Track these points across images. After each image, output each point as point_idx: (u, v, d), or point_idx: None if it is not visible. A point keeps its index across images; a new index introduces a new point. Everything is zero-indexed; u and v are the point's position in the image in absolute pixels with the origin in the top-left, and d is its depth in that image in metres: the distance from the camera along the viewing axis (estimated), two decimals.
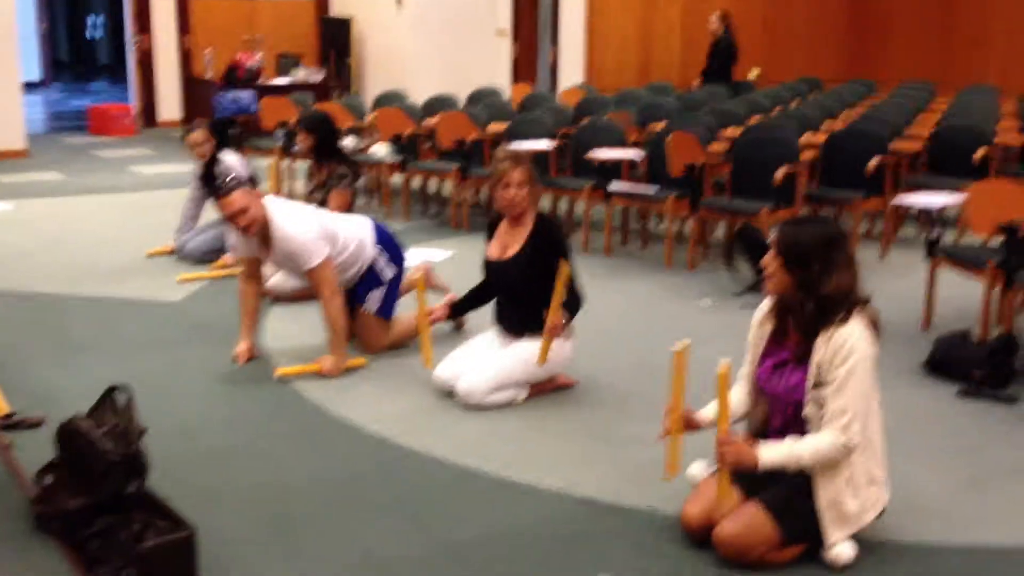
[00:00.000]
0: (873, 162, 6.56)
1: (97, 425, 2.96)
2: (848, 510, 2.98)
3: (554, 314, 4.09)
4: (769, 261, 3.04)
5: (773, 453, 2.97)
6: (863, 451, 3.00)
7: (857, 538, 3.03)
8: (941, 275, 5.31)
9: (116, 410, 3.03)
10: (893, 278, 6.31)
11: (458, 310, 4.65)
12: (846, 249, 3.00)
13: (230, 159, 6.54)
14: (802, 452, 2.94)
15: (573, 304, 4.26)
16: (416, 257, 6.47)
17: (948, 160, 7.17)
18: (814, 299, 2.97)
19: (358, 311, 4.87)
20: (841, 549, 2.98)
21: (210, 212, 6.40)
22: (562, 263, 4.04)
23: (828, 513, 2.97)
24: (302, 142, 6.29)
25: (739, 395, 3.25)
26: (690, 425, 3.23)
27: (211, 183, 6.45)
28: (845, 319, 2.95)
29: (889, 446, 3.32)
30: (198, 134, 6.50)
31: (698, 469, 3.34)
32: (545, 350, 4.17)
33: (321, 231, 4.61)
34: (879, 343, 3.00)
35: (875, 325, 3.01)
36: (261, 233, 4.53)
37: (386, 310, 4.89)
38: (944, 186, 6.58)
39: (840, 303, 2.96)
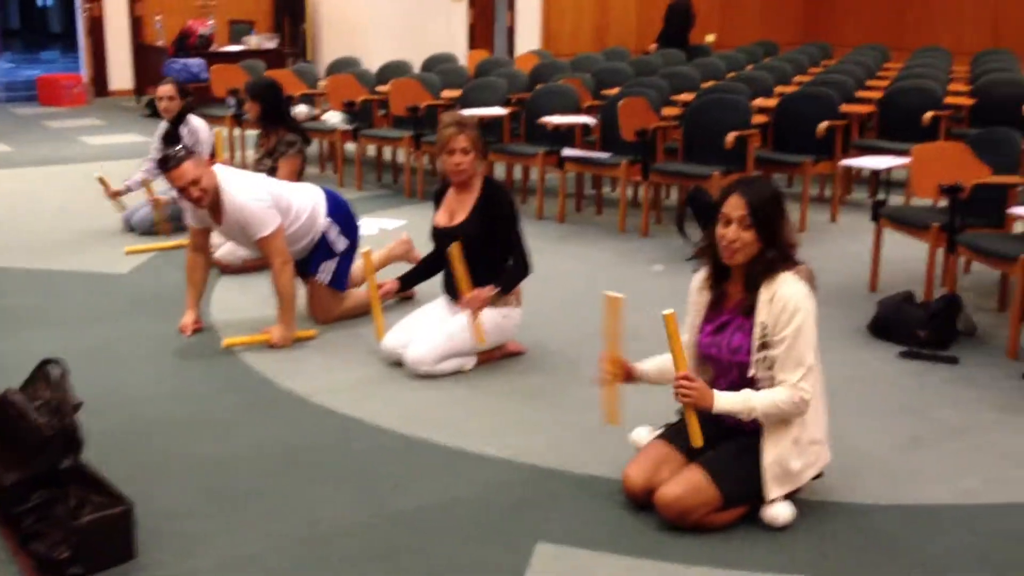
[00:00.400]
0: (823, 125, 6.58)
1: (30, 399, 2.92)
2: (791, 467, 3.01)
3: (466, 290, 4.06)
4: (738, 233, 2.98)
5: (729, 397, 2.98)
6: (810, 410, 3.02)
7: (797, 498, 3.07)
8: (890, 237, 5.35)
9: (50, 383, 2.99)
10: (842, 241, 6.36)
11: (408, 282, 4.63)
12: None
13: (197, 122, 6.49)
14: (757, 402, 2.95)
15: (517, 273, 4.25)
16: (370, 226, 6.44)
17: (898, 123, 7.21)
18: (780, 252, 3.01)
19: (310, 281, 4.84)
20: (779, 509, 3.01)
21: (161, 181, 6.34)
22: (453, 245, 4.00)
23: (771, 470, 3.00)
24: (249, 110, 6.22)
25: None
26: (628, 376, 3.25)
27: (175, 143, 6.40)
28: (788, 273, 2.98)
29: (833, 406, 3.36)
30: (167, 87, 6.46)
31: (641, 434, 3.36)
32: (477, 327, 4.14)
33: (273, 200, 4.57)
34: (815, 300, 3.03)
35: (811, 282, 3.03)
36: (212, 203, 4.48)
37: (338, 281, 4.86)
38: (893, 149, 6.63)
39: (793, 253, 3.02)
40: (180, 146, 4.57)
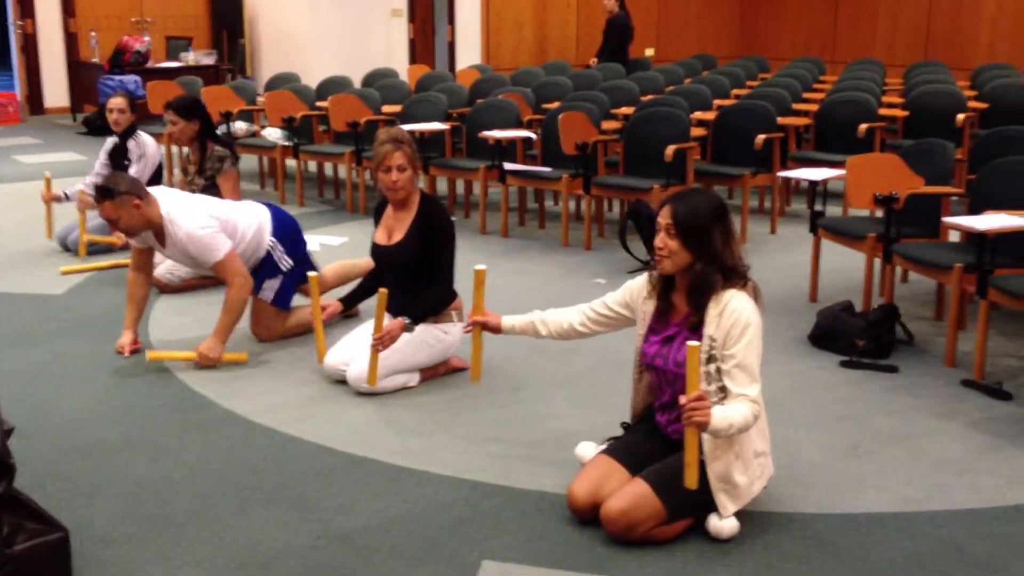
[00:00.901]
0: (760, 138, 6.66)
1: None
2: (738, 482, 3.02)
3: (377, 331, 3.96)
4: (665, 241, 3.02)
5: (718, 417, 2.87)
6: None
7: (742, 509, 3.07)
8: (828, 248, 5.41)
9: None
10: (782, 252, 6.43)
11: (350, 302, 4.58)
12: (731, 218, 3.06)
13: (145, 138, 6.43)
14: (734, 418, 2.88)
15: (436, 301, 4.22)
16: (312, 243, 6.37)
17: (834, 135, 7.32)
18: (720, 270, 3.00)
19: (254, 299, 4.78)
20: (724, 521, 3.02)
21: None
22: (380, 292, 3.95)
23: (719, 486, 3.00)
24: (184, 129, 5.95)
25: (574, 315, 3.38)
26: (488, 326, 3.50)
27: (122, 158, 6.31)
28: (736, 288, 2.99)
29: (774, 416, 3.39)
30: (119, 100, 6.40)
31: (586, 449, 3.35)
32: (373, 367, 4.01)
33: (219, 224, 4.51)
34: (761, 315, 3.05)
35: (757, 296, 3.05)
36: (155, 228, 4.45)
37: (281, 300, 4.80)
38: (830, 161, 6.73)
39: (740, 269, 3.01)
40: (116, 179, 4.44)
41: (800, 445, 3.67)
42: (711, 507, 3.03)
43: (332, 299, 4.48)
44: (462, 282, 4.22)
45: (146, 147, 6.37)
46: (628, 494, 3.00)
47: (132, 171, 6.26)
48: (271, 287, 4.76)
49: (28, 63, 12.75)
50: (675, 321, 3.11)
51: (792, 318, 5.05)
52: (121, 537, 3.05)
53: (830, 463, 3.55)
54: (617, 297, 3.29)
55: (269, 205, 4.96)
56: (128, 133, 6.40)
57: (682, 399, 2.80)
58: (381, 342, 4.00)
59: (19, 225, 7.07)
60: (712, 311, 2.99)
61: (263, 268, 4.77)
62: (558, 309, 3.44)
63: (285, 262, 4.80)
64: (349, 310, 4.61)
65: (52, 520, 2.83)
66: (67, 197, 6.41)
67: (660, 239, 3.02)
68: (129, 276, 4.68)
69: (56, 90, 12.90)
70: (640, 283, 3.23)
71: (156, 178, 6.42)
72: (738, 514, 3.05)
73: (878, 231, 4.92)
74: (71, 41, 12.79)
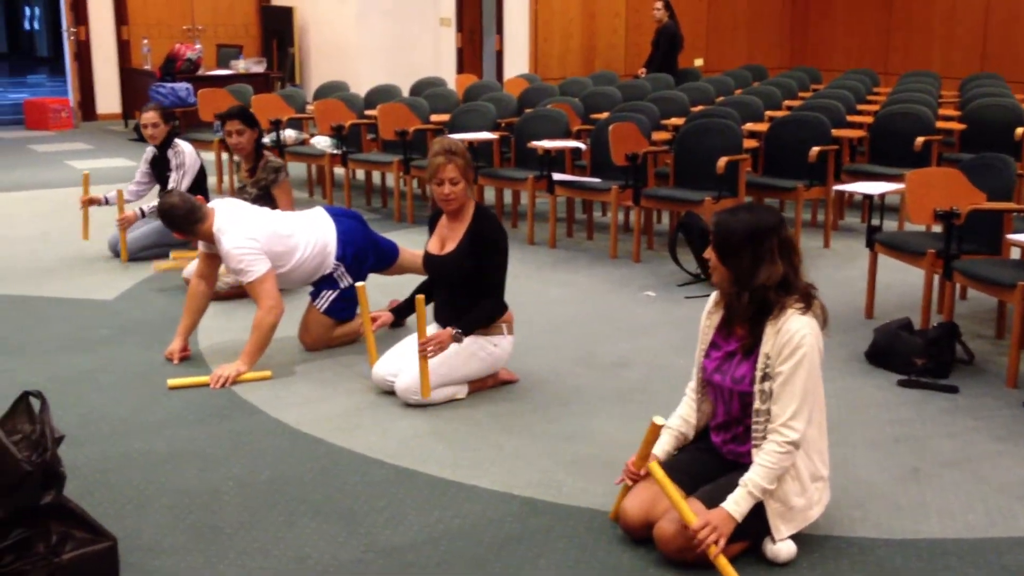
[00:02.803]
0: (815, 150, 6.55)
1: (10, 433, 2.83)
2: (794, 504, 2.94)
3: (421, 336, 3.97)
4: (709, 253, 3.00)
5: (740, 499, 2.85)
6: (807, 447, 2.96)
7: (799, 532, 2.99)
8: (885, 263, 5.30)
9: (31, 417, 2.90)
10: (836, 267, 6.32)
11: (401, 313, 4.55)
12: (778, 239, 2.94)
13: (184, 146, 6.44)
14: (759, 480, 2.85)
15: (485, 313, 4.16)
16: None
17: (890, 147, 7.19)
18: (747, 291, 2.93)
19: (309, 306, 4.78)
20: (781, 545, 2.94)
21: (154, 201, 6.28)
22: (417, 298, 3.97)
23: (773, 508, 2.93)
24: (247, 140, 5.86)
25: (687, 410, 3.22)
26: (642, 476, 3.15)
27: (162, 168, 6.35)
28: (797, 309, 2.90)
29: (831, 436, 3.29)
30: (151, 114, 6.39)
31: None
32: (424, 377, 4.03)
33: (266, 244, 4.51)
34: (825, 335, 2.97)
35: (823, 318, 2.97)
36: (211, 240, 4.52)
37: (334, 311, 4.78)
38: (885, 174, 6.61)
39: (773, 294, 2.91)
40: (171, 203, 4.53)
41: (857, 466, 3.57)
42: (767, 531, 2.95)
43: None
44: (524, 298, 4.17)
45: (184, 156, 6.40)
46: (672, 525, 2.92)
47: (171, 179, 6.30)
48: (327, 297, 4.76)
49: (81, 70, 12.91)
50: (736, 336, 3.05)
51: (847, 335, 4.95)
52: (169, 547, 3.04)
53: (889, 486, 3.45)
54: (698, 355, 3.19)
55: (343, 218, 4.93)
56: (166, 144, 6.43)
57: (691, 530, 2.80)
58: (428, 346, 3.97)
59: (69, 230, 7.13)
60: (770, 329, 2.92)
61: (323, 281, 4.79)
62: (681, 413, 3.24)
63: (345, 280, 4.80)
64: (400, 321, 4.59)
65: (100, 529, 2.83)
66: (107, 201, 6.44)
67: (708, 250, 3.01)
68: (192, 283, 4.70)
69: (108, 96, 13.05)
70: (709, 301, 3.17)
71: (201, 184, 6.44)
72: (794, 537, 2.97)
73: (937, 247, 4.80)
74: (123, 48, 12.95)
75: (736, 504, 2.87)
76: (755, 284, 2.91)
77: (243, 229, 4.49)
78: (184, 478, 3.49)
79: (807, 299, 2.94)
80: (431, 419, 4.01)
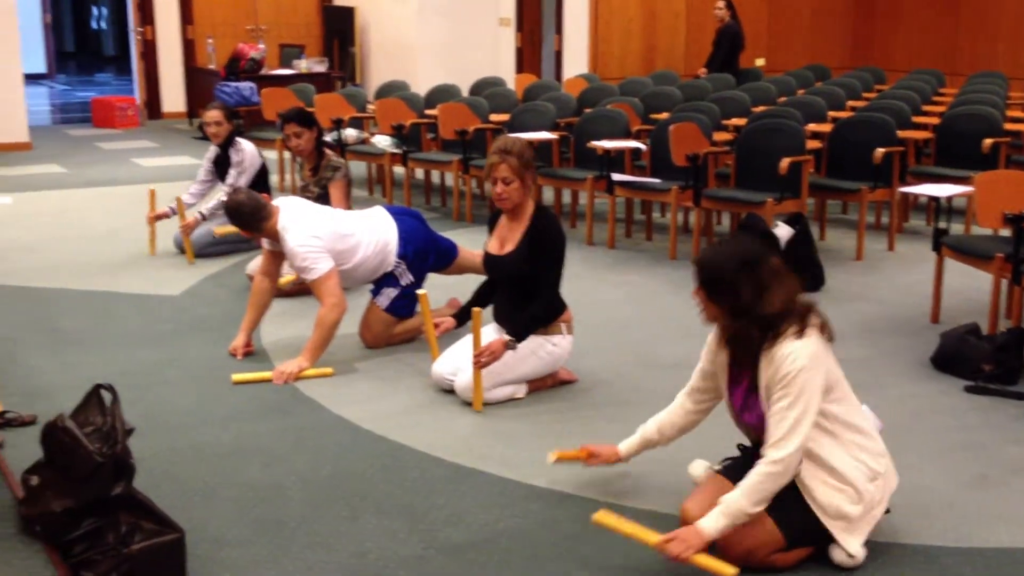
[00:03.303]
0: (880, 151, 6.46)
1: (82, 425, 2.90)
2: (850, 513, 2.90)
3: (475, 347, 3.98)
4: (695, 293, 2.94)
5: (714, 520, 2.81)
6: (852, 451, 2.91)
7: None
8: (951, 267, 5.22)
9: (102, 409, 2.97)
10: (901, 270, 6.23)
11: (463, 318, 4.55)
12: (770, 264, 2.88)
13: (245, 144, 6.52)
14: (739, 500, 2.81)
15: (536, 320, 4.14)
16: None
17: (956, 149, 7.07)
18: (756, 323, 2.86)
19: (370, 304, 4.83)
20: (849, 549, 2.91)
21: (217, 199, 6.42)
22: (474, 311, 4.01)
23: (828, 518, 2.89)
24: (307, 140, 5.92)
25: (679, 410, 3.23)
26: (603, 457, 3.37)
27: (224, 167, 6.44)
28: (793, 335, 2.83)
29: (896, 442, 3.26)
30: (214, 112, 6.48)
31: (698, 468, 3.27)
32: (477, 390, 4.04)
33: (329, 242, 4.56)
34: (830, 346, 2.90)
35: (823, 330, 2.90)
36: (276, 238, 4.58)
37: (395, 309, 4.82)
38: (952, 176, 6.50)
39: (784, 319, 2.85)
40: (237, 201, 4.60)
41: (923, 473, 3.52)
42: (832, 536, 2.91)
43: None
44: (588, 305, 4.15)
45: (244, 153, 6.47)
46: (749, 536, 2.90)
47: (229, 176, 6.39)
48: (388, 295, 4.80)
49: (147, 69, 13.14)
50: (747, 373, 3.01)
51: (912, 339, 4.88)
52: (234, 539, 3.09)
53: (956, 494, 3.39)
54: (701, 364, 3.17)
55: (403, 217, 4.96)
56: (228, 142, 6.52)
57: (655, 546, 2.81)
58: (481, 357, 3.99)
59: (135, 227, 7.26)
60: (763, 361, 2.87)
61: (385, 279, 4.83)
62: (659, 413, 3.30)
63: (406, 277, 4.84)
64: (462, 326, 4.62)
65: (168, 520, 2.88)
66: (173, 212, 6.56)
67: (694, 290, 2.94)
68: (255, 280, 4.77)
69: (173, 95, 13.26)
70: (712, 338, 3.13)
71: (263, 182, 6.52)
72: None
73: (1006, 251, 4.71)
74: (188, 48, 13.15)
75: (710, 521, 2.81)
76: (763, 313, 2.84)
77: (307, 227, 4.54)
78: (248, 472, 3.54)
79: (802, 321, 2.86)
80: (490, 418, 4.03)
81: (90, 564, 2.79)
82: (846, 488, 2.89)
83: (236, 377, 4.39)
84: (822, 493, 2.88)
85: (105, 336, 4.97)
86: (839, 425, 2.91)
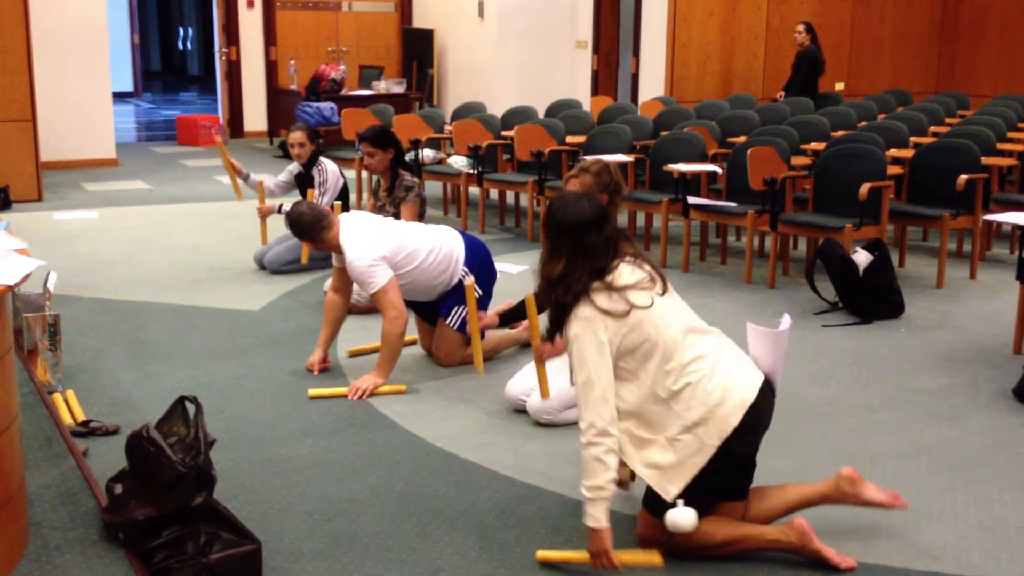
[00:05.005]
0: (963, 178, 6.35)
1: (166, 435, 2.98)
2: (665, 463, 2.95)
3: (535, 342, 3.96)
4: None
5: (585, 508, 2.93)
6: (659, 415, 2.95)
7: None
8: None
9: (186, 420, 3.04)
10: (983, 299, 6.10)
11: (508, 318, 4.59)
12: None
13: (327, 164, 6.66)
14: (581, 482, 2.93)
15: None
16: None
17: None
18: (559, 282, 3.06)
19: (439, 323, 4.87)
20: (678, 515, 2.94)
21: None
22: (528, 299, 3.95)
23: (650, 475, 2.96)
24: (381, 160, 6.03)
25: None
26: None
27: (306, 185, 6.59)
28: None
29: (976, 474, 3.20)
30: (298, 133, 6.67)
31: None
32: (543, 381, 4.03)
33: (389, 254, 4.60)
34: (612, 300, 2.96)
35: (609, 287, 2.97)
36: (338, 251, 4.64)
37: (465, 327, 4.86)
38: None
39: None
40: (299, 212, 4.69)
41: (1004, 507, 3.44)
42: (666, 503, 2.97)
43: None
44: None
45: (327, 173, 6.61)
46: (641, 518, 3.12)
47: (324, 201, 6.51)
48: (459, 314, 4.83)
49: (231, 88, 13.45)
50: None
51: (993, 370, 4.77)
52: (309, 552, 3.14)
53: None
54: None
55: (464, 234, 5.03)
56: (311, 162, 6.66)
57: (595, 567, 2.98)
58: (543, 350, 4.01)
59: (218, 243, 7.44)
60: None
61: (454, 294, 4.85)
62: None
63: (474, 292, 4.86)
64: (505, 325, 4.65)
65: (246, 531, 2.94)
66: (279, 210, 6.66)
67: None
68: (328, 296, 4.84)
69: (255, 114, 13.54)
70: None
71: (342, 200, 6.63)
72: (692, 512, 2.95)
73: None
74: (271, 68, 13.43)
75: (585, 513, 2.92)
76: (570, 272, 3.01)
77: (365, 240, 4.59)
78: (323, 486, 3.60)
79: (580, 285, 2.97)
80: (561, 439, 4.03)
81: (170, 572, 2.86)
82: (653, 445, 2.96)
83: (312, 392, 4.47)
84: (633, 453, 2.98)
85: (187, 349, 5.09)
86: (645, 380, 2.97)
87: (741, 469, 3.04)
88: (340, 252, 4.62)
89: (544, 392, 3.99)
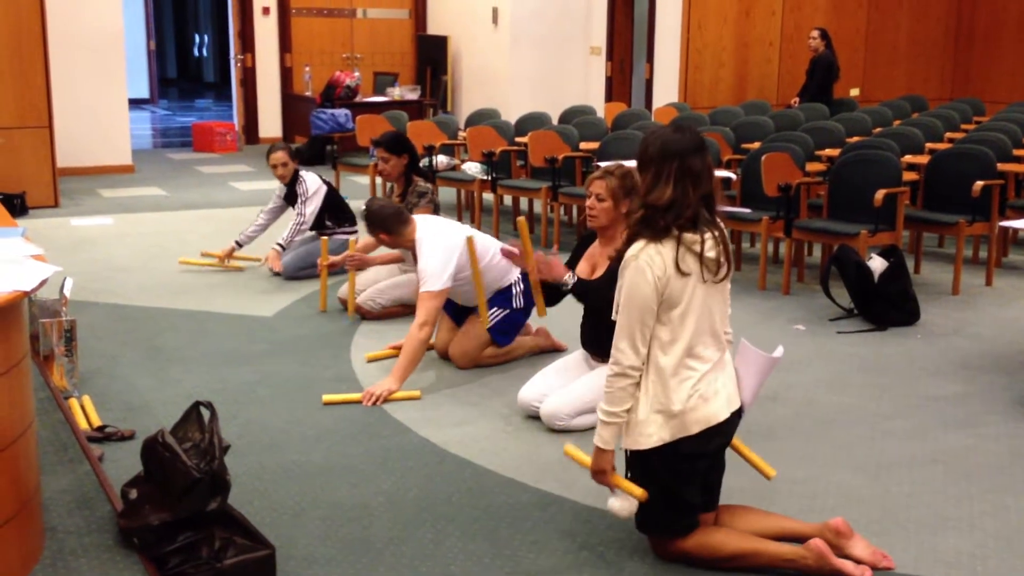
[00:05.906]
0: (979, 184, 6.32)
1: (181, 441, 2.99)
2: (633, 418, 3.02)
3: (529, 263, 4.10)
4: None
5: (598, 430, 3.06)
6: (662, 377, 3.00)
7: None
8: None
9: (200, 425, 3.06)
10: (1000, 305, 6.07)
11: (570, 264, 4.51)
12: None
13: (309, 176, 6.72)
14: (601, 403, 3.04)
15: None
16: None
17: None
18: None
19: (471, 317, 4.90)
20: (614, 503, 3.06)
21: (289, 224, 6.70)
22: (519, 221, 4.15)
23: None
24: (395, 165, 6.00)
25: None
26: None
27: (293, 201, 6.64)
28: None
29: (991, 482, 3.18)
30: (279, 155, 6.69)
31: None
32: (540, 300, 4.15)
33: (457, 267, 4.66)
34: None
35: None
36: (410, 248, 4.75)
37: (496, 330, 4.87)
38: None
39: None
40: (376, 208, 4.79)
41: (1021, 516, 3.42)
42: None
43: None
44: None
45: (306, 184, 6.66)
46: (648, 540, 3.21)
47: (307, 211, 6.56)
48: (496, 315, 4.87)
49: (246, 95, 13.50)
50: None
51: (1009, 377, 4.75)
52: (322, 558, 3.14)
53: None
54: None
55: None
56: (294, 181, 6.71)
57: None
58: (539, 267, 4.12)
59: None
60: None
61: (498, 296, 4.89)
62: None
63: (519, 300, 4.89)
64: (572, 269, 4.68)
65: (260, 537, 2.95)
66: (239, 245, 6.85)
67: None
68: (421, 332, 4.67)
69: (270, 121, 13.59)
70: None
71: (334, 205, 6.70)
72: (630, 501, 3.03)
73: None
74: (286, 75, 13.47)
75: (596, 434, 3.05)
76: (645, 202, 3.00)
77: (443, 241, 4.67)
78: (337, 491, 3.60)
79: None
80: (575, 445, 4.02)
81: None
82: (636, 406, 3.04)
83: (326, 398, 4.48)
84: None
85: (201, 354, 5.11)
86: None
87: (695, 470, 3.06)
88: (412, 248, 4.69)
89: (541, 310, 4.22)
